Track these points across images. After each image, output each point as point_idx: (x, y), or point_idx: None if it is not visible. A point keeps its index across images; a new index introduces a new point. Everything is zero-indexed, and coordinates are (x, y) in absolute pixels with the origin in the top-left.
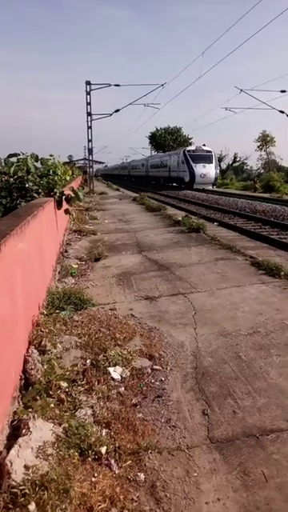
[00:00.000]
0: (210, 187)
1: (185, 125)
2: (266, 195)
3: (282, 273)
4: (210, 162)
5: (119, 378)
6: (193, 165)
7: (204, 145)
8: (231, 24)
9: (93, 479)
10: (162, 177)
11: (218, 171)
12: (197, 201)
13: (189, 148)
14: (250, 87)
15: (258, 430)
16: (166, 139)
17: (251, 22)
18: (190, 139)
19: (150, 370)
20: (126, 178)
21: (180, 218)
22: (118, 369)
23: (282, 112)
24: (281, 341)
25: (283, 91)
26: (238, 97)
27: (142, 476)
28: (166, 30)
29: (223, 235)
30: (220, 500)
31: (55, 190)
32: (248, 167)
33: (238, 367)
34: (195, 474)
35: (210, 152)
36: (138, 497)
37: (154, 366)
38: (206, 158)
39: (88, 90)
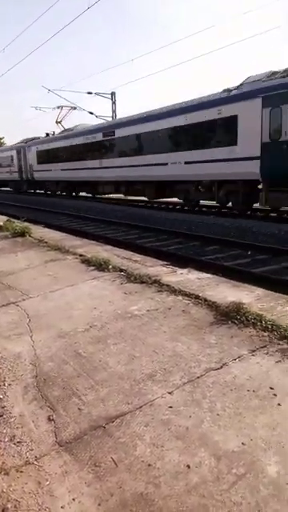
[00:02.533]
0: None
1: None
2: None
3: (110, 266)
4: None
5: None
6: None
7: None
8: (31, 22)
9: None
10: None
11: None
12: (18, 203)
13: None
14: (59, 87)
15: (104, 419)
16: None
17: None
18: (1, 139)
19: None
20: None
21: (1, 224)
22: None
23: (91, 113)
24: (116, 330)
25: (89, 93)
26: (48, 96)
27: None
28: None
29: (51, 236)
30: (75, 499)
31: None
32: None
33: (79, 364)
34: (47, 483)
35: None
36: None
37: None
38: None
39: None
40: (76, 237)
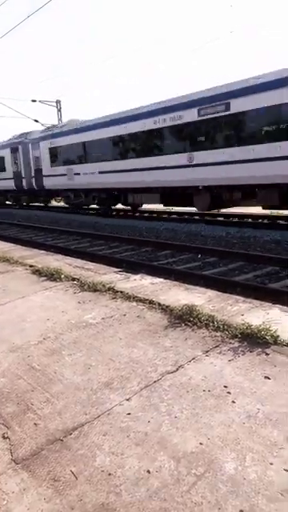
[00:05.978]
0: None
1: None
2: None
3: (63, 275)
4: None
5: None
6: None
7: None
8: None
9: None
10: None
11: None
12: None
13: None
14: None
15: (62, 432)
16: None
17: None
18: None
19: None
20: None
21: None
22: None
23: (36, 121)
24: (70, 340)
25: (34, 101)
26: None
27: None
28: None
29: None
30: None
31: None
32: None
33: (34, 378)
34: (5, 503)
35: None
36: None
37: None
38: None
39: None
40: (25, 247)
